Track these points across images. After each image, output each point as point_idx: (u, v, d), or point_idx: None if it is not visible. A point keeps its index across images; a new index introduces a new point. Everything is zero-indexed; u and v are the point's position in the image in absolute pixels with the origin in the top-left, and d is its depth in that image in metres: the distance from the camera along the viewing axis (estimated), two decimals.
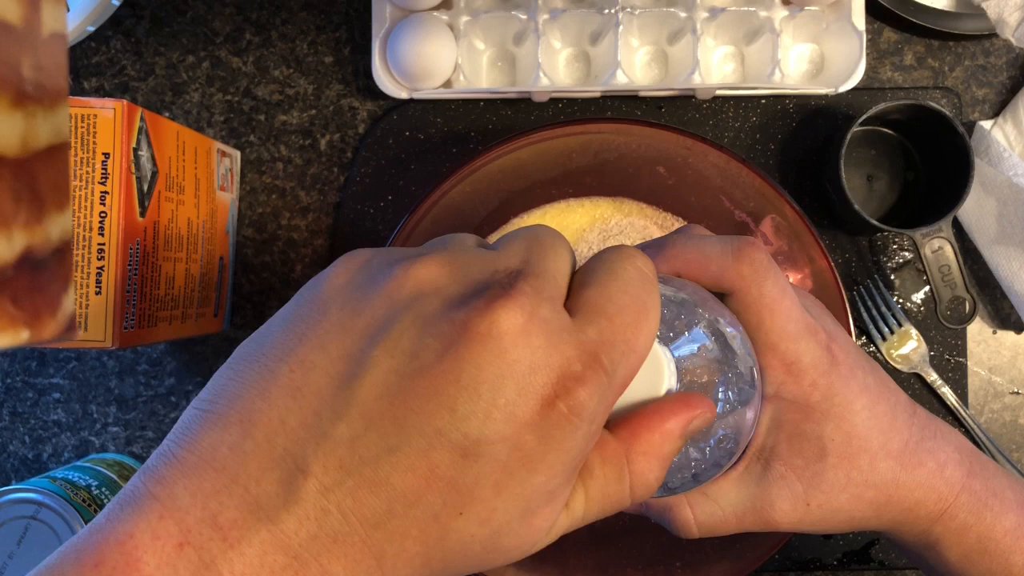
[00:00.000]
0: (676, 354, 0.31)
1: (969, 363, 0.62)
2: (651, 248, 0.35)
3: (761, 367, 0.34)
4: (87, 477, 0.56)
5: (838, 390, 0.35)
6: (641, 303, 0.27)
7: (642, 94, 0.61)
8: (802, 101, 0.62)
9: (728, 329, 0.32)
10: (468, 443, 0.24)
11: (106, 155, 0.45)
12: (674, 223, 0.58)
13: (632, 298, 0.27)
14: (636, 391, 0.29)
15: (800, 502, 0.36)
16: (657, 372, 0.30)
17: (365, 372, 0.24)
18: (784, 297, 0.34)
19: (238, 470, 0.24)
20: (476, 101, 0.62)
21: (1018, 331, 0.62)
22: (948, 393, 0.60)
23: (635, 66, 0.62)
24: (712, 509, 0.36)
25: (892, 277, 0.61)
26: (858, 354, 0.37)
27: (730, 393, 0.31)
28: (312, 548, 0.23)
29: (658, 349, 0.30)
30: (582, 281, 0.27)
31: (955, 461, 0.36)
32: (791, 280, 0.55)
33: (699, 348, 0.32)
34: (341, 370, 0.24)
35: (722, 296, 0.34)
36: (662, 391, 0.30)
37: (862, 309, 0.61)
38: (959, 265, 0.60)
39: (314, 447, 0.24)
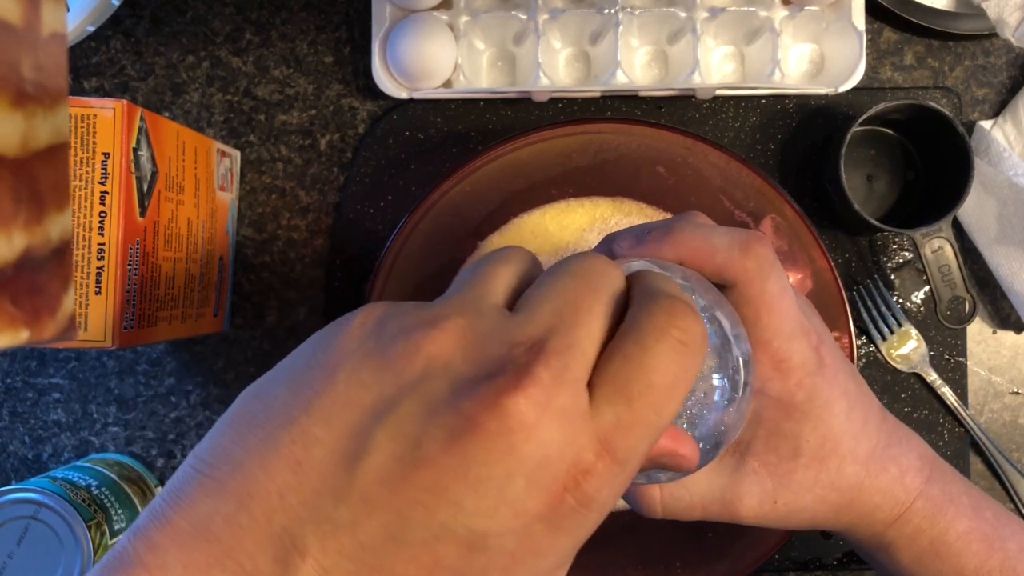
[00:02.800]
0: None
1: (969, 363, 0.62)
2: (656, 231, 0.34)
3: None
4: (87, 477, 0.56)
5: (821, 392, 0.35)
6: (671, 384, 0.25)
7: (642, 94, 0.61)
8: (802, 101, 0.62)
9: (727, 321, 0.32)
10: (474, 537, 0.23)
11: (106, 155, 0.45)
12: None
13: (662, 377, 0.24)
14: None
15: (768, 499, 0.36)
16: None
17: (367, 454, 0.23)
18: (784, 296, 0.34)
19: (233, 544, 0.23)
20: (476, 101, 0.62)
21: (1018, 331, 0.62)
22: (948, 393, 0.60)
23: (635, 66, 0.62)
24: (680, 493, 0.37)
25: (892, 277, 0.61)
26: (842, 359, 0.37)
27: (727, 382, 0.31)
28: None
29: None
30: (611, 350, 0.25)
31: (916, 468, 0.37)
32: (790, 280, 0.55)
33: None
34: (344, 448, 0.23)
35: (721, 287, 0.34)
36: None
37: (862, 309, 0.61)
38: (959, 265, 0.60)
39: (313, 528, 0.23)
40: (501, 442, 0.22)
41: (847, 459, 0.36)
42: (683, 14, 0.59)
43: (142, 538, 0.24)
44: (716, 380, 0.31)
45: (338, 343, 0.25)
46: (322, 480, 0.23)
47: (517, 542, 0.23)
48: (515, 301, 0.26)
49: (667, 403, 0.25)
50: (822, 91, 0.60)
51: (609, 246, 0.36)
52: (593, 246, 0.58)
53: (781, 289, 0.34)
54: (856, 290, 0.61)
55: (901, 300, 0.61)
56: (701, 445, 0.31)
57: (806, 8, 0.59)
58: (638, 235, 0.35)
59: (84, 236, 0.45)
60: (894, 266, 0.61)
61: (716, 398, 0.31)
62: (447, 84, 0.60)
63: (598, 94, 0.61)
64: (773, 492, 0.36)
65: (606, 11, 0.58)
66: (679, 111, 0.62)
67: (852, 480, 0.36)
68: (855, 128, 0.57)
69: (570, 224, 0.59)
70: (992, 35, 0.61)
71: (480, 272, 0.27)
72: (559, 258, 0.58)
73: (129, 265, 0.46)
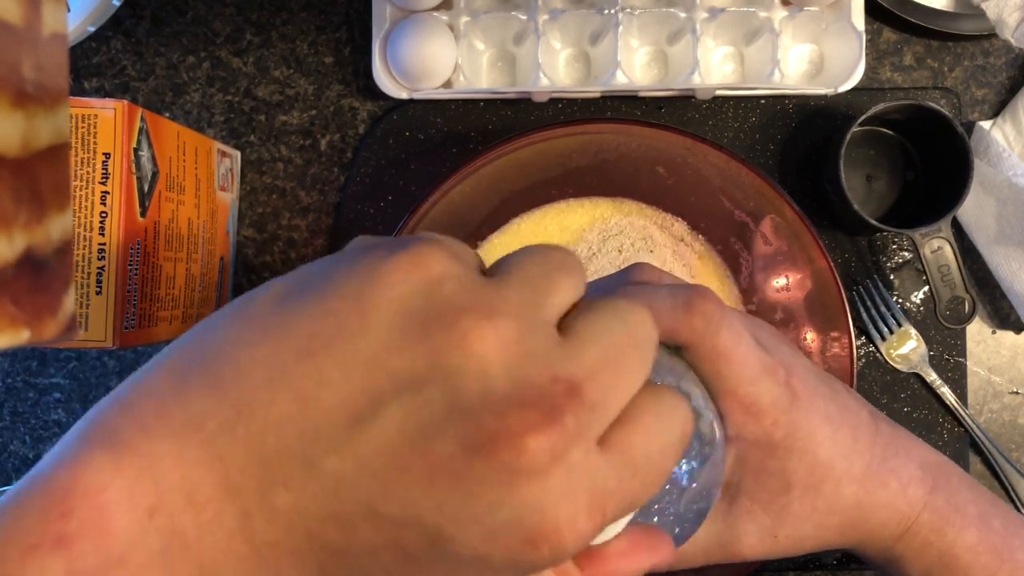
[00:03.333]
0: None
1: (968, 363, 0.62)
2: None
3: (721, 413, 0.34)
4: None
5: (800, 424, 0.35)
6: (667, 461, 0.25)
7: (642, 94, 0.61)
8: (802, 101, 0.62)
9: (685, 388, 0.32)
10: (440, 538, 0.23)
11: (107, 155, 0.45)
12: (674, 223, 0.58)
13: (662, 456, 0.25)
14: None
15: (767, 535, 0.36)
16: None
17: (376, 420, 0.23)
18: (739, 344, 0.34)
19: (224, 451, 0.23)
20: (476, 101, 0.62)
21: (1017, 331, 0.62)
22: (947, 393, 0.60)
23: (635, 66, 0.62)
24: (680, 547, 0.36)
25: (891, 277, 0.61)
26: (817, 381, 0.37)
27: (694, 463, 0.31)
28: (273, 551, 0.23)
29: None
30: (626, 416, 0.25)
31: (918, 479, 0.37)
32: (790, 280, 0.55)
33: None
34: (356, 403, 0.23)
35: (676, 348, 0.34)
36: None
37: (861, 309, 0.61)
38: (958, 265, 0.60)
39: (300, 466, 0.23)
40: (506, 477, 0.22)
41: (842, 480, 0.36)
42: (683, 14, 0.59)
43: (132, 416, 0.23)
44: (684, 465, 0.31)
45: (383, 281, 0.23)
46: (323, 425, 0.23)
47: (472, 559, 0.23)
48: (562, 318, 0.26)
49: (658, 480, 0.25)
50: (821, 91, 0.60)
51: None
52: (593, 246, 0.58)
53: (734, 338, 0.34)
54: (856, 290, 0.61)
55: (901, 300, 0.61)
56: (686, 515, 0.31)
57: (806, 8, 0.59)
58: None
59: (85, 236, 0.45)
60: (893, 266, 0.61)
61: (686, 477, 0.31)
62: (447, 84, 0.60)
63: (598, 94, 0.61)
64: (772, 527, 0.36)
65: (606, 11, 0.58)
66: (679, 111, 0.62)
67: (851, 500, 0.36)
68: (854, 128, 0.57)
69: (570, 224, 0.59)
70: (991, 35, 0.61)
71: (546, 276, 0.25)
72: None
73: (130, 265, 0.46)
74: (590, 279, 0.58)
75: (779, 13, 0.59)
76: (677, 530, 0.32)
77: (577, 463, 0.23)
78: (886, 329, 0.61)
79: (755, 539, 0.36)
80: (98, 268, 0.45)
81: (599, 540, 0.27)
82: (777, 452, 0.35)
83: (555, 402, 0.23)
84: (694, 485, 0.31)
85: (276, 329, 0.23)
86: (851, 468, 0.36)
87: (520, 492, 0.22)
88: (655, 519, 0.31)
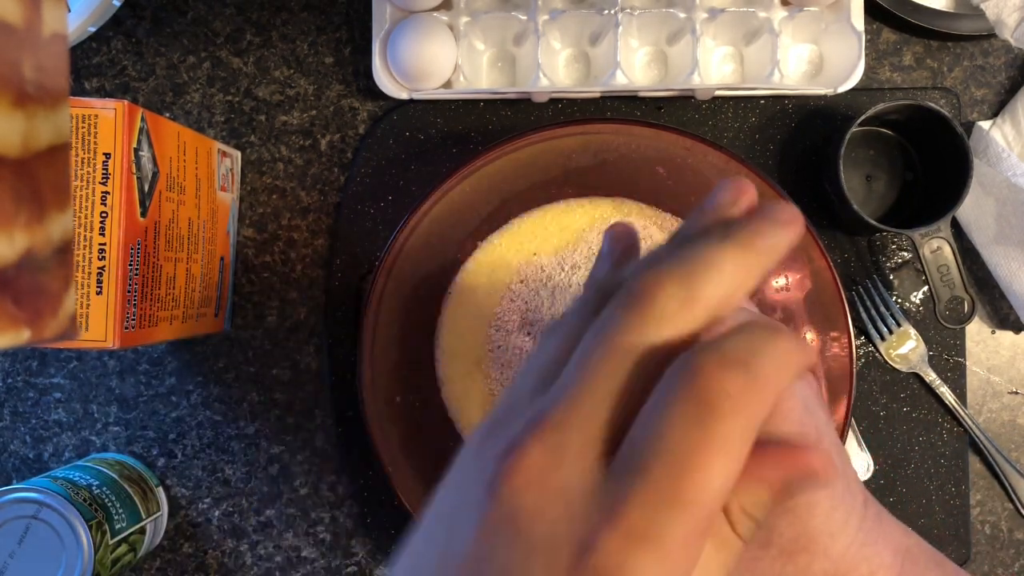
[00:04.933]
0: None
1: (968, 363, 0.62)
2: None
3: None
4: (88, 477, 0.56)
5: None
6: (696, 452, 0.23)
7: (642, 94, 0.61)
8: (801, 101, 0.62)
9: None
10: None
11: (107, 155, 0.45)
12: (673, 223, 0.58)
13: (678, 446, 0.23)
14: None
15: None
16: None
17: None
18: (788, 398, 0.33)
19: None
20: (476, 101, 0.62)
21: (1017, 331, 0.62)
22: (947, 393, 0.60)
23: (635, 67, 0.62)
24: None
25: (891, 277, 0.62)
26: (837, 456, 0.36)
27: None
28: None
29: None
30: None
31: (887, 565, 0.37)
32: (789, 280, 0.55)
33: None
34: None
35: None
36: None
37: (861, 309, 0.61)
38: (958, 265, 0.60)
39: None
40: (508, 527, 0.22)
41: (818, 556, 0.35)
42: (682, 15, 0.59)
43: None
44: None
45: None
46: None
47: None
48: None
49: (694, 476, 0.22)
50: (821, 91, 0.60)
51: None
52: (593, 246, 0.58)
53: (787, 389, 0.33)
54: (855, 290, 0.61)
55: (900, 300, 0.61)
56: None
57: (805, 9, 0.59)
58: None
59: (85, 236, 0.45)
60: (893, 266, 0.62)
61: None
62: (447, 85, 0.60)
63: (598, 95, 0.61)
64: (735, 573, 0.36)
65: (606, 12, 0.59)
66: (679, 111, 0.62)
67: None
68: (854, 128, 0.57)
69: (570, 224, 0.59)
70: (991, 36, 0.61)
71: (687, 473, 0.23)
72: (559, 258, 0.58)
73: (130, 265, 0.46)
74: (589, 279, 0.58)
75: (779, 13, 0.59)
76: None
77: (564, 487, 0.23)
78: (885, 329, 0.61)
79: None
80: (98, 268, 0.45)
81: None
82: (774, 510, 0.35)
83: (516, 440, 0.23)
84: None
85: None
86: (831, 547, 0.36)
87: (530, 536, 0.22)
88: None
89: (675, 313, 0.25)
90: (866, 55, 0.61)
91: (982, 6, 0.56)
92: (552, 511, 0.22)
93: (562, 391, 0.24)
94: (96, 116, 0.45)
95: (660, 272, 0.25)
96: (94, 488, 0.55)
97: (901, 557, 0.37)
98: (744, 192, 0.32)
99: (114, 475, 0.58)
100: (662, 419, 0.23)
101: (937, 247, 0.59)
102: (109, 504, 0.55)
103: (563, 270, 0.58)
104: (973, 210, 0.60)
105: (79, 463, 0.59)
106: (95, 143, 0.45)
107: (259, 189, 0.63)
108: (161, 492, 0.61)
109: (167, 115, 0.62)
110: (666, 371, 0.24)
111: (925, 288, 0.61)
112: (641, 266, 0.27)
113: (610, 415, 0.24)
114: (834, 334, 0.54)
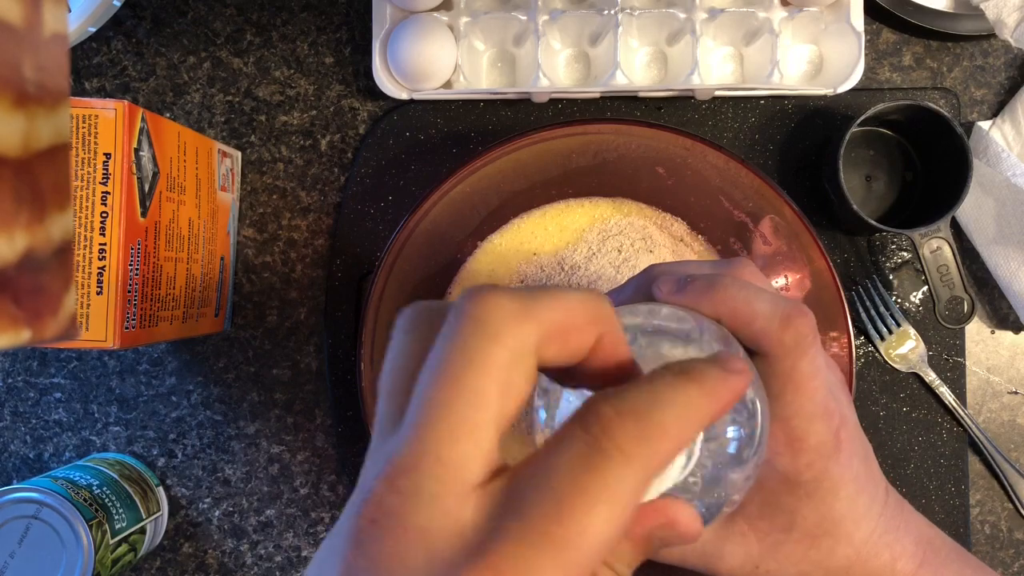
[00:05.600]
0: None
1: (967, 363, 0.62)
2: (699, 283, 0.33)
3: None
4: (88, 476, 0.56)
5: (831, 475, 0.35)
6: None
7: (641, 95, 0.61)
8: (801, 102, 0.62)
9: (751, 392, 0.31)
10: None
11: (107, 155, 0.45)
12: (673, 223, 0.58)
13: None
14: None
15: (750, 562, 0.36)
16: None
17: None
18: (815, 376, 0.33)
19: None
20: (476, 102, 0.62)
21: (1016, 331, 0.62)
22: (946, 393, 0.60)
23: (634, 67, 0.62)
24: None
25: (891, 277, 0.62)
26: (860, 440, 0.36)
27: (741, 445, 0.30)
28: None
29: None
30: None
31: (909, 554, 0.37)
32: (790, 280, 0.55)
33: None
34: None
35: (751, 352, 0.33)
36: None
37: (860, 309, 0.61)
38: (957, 265, 0.60)
39: None
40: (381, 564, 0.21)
41: (841, 541, 0.35)
42: (682, 15, 0.59)
43: None
44: (732, 442, 0.30)
45: None
46: None
47: None
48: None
49: (574, 519, 0.21)
50: (821, 92, 0.60)
51: (648, 279, 0.35)
52: (593, 246, 0.58)
53: (813, 370, 0.33)
54: (855, 290, 0.61)
55: (900, 300, 0.62)
56: (704, 509, 0.30)
57: (805, 9, 0.59)
58: (680, 282, 0.34)
59: (86, 236, 0.45)
60: (893, 266, 0.62)
61: (728, 460, 0.30)
62: (447, 85, 0.60)
63: (598, 95, 0.61)
64: (757, 558, 0.36)
65: (606, 12, 0.59)
66: (678, 112, 0.62)
67: (842, 562, 0.36)
68: (854, 129, 0.57)
69: (570, 224, 0.59)
70: (991, 36, 0.61)
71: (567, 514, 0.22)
72: (559, 258, 0.58)
73: (130, 265, 0.46)
74: (589, 280, 0.58)
75: (779, 13, 0.59)
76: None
77: (424, 527, 0.22)
78: (885, 329, 0.61)
79: (737, 562, 0.36)
80: (99, 268, 0.45)
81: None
82: (797, 492, 0.35)
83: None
84: (736, 468, 0.30)
85: None
86: (854, 532, 0.36)
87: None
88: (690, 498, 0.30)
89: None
90: (866, 55, 0.61)
91: (982, 6, 0.56)
92: (413, 557, 0.21)
93: (412, 429, 0.22)
94: (96, 116, 0.45)
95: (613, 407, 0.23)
96: (94, 488, 0.55)
97: (923, 547, 0.37)
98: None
99: (114, 475, 0.58)
100: (551, 460, 0.22)
101: (937, 247, 0.60)
102: (109, 504, 0.55)
103: (563, 270, 0.58)
104: (973, 210, 0.60)
105: (79, 463, 0.59)
106: (95, 143, 0.45)
107: (259, 189, 0.63)
108: (161, 492, 0.62)
109: (167, 115, 0.62)
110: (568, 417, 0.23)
111: (925, 288, 0.61)
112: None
113: (477, 451, 0.23)
114: (834, 334, 0.54)
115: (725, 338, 0.32)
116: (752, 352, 0.33)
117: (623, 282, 0.38)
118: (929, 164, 0.61)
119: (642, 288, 0.36)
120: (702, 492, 0.30)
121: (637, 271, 0.57)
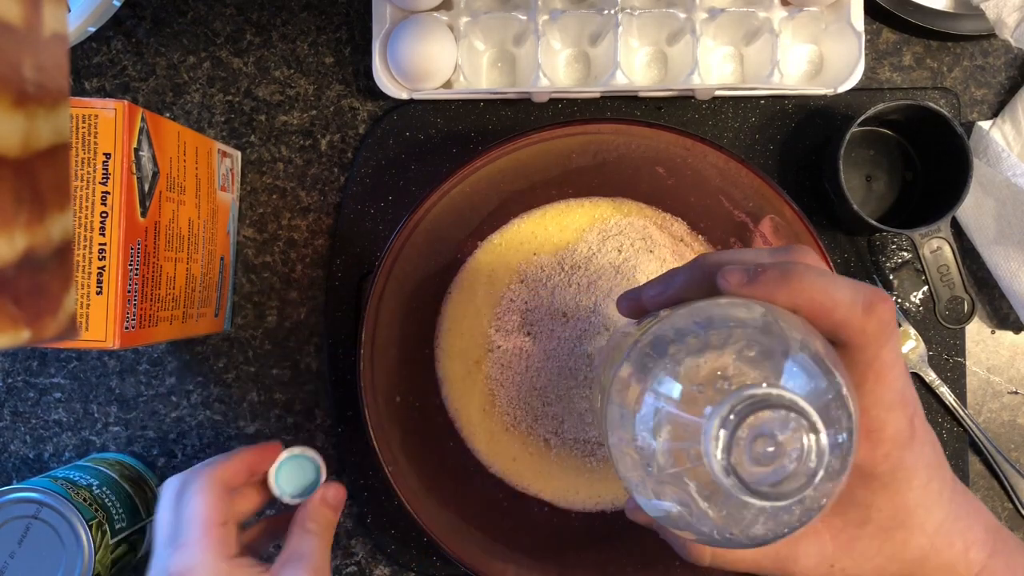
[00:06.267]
0: (801, 392, 0.28)
1: (968, 363, 0.62)
2: (772, 271, 0.31)
3: None
4: (88, 476, 0.56)
5: (906, 464, 0.33)
6: None
7: (641, 95, 0.61)
8: (801, 101, 0.62)
9: (841, 380, 0.29)
10: None
11: (107, 155, 0.45)
12: (673, 223, 0.58)
13: None
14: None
15: (825, 562, 0.35)
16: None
17: None
18: (896, 364, 0.32)
19: None
20: (476, 101, 0.62)
21: (1016, 331, 0.62)
22: (947, 393, 0.60)
23: (635, 67, 0.62)
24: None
25: (891, 277, 0.62)
26: (929, 427, 0.35)
27: (835, 449, 0.28)
28: None
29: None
30: None
31: (981, 542, 0.36)
32: None
33: (817, 391, 0.29)
34: None
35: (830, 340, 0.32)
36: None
37: None
38: (957, 265, 0.60)
39: None
40: None
41: (915, 532, 0.34)
42: (682, 15, 0.59)
43: None
44: (825, 444, 0.28)
45: None
46: None
47: None
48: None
49: None
50: (821, 91, 0.60)
51: (703, 271, 0.34)
52: (593, 246, 0.58)
53: (895, 356, 0.32)
54: None
55: (900, 300, 0.61)
56: (810, 505, 0.29)
57: (805, 9, 0.59)
58: (750, 272, 0.32)
59: (85, 236, 0.45)
60: (893, 266, 0.62)
61: (822, 462, 0.28)
62: (447, 85, 0.60)
63: (598, 95, 0.61)
64: (832, 556, 0.35)
65: (606, 12, 0.59)
66: (678, 112, 0.62)
67: (917, 553, 0.35)
68: (854, 128, 0.57)
69: (570, 224, 0.59)
70: (991, 36, 0.61)
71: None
72: (559, 258, 0.58)
73: (130, 265, 0.46)
74: (589, 280, 0.58)
75: (779, 13, 0.59)
76: (796, 521, 0.30)
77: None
78: None
79: (812, 562, 0.35)
80: (99, 268, 0.45)
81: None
82: (872, 484, 0.34)
83: None
84: (830, 473, 0.29)
85: None
86: (927, 521, 0.35)
87: None
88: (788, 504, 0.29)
89: None
90: (866, 55, 0.61)
91: (982, 6, 0.56)
92: None
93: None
94: (96, 116, 0.45)
95: None
96: (94, 488, 0.55)
97: (992, 534, 0.36)
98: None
99: (114, 475, 0.58)
100: None
101: (937, 247, 0.60)
102: (109, 504, 0.55)
103: (563, 270, 0.58)
104: (973, 210, 0.60)
105: (79, 463, 0.59)
106: (95, 143, 0.45)
107: (259, 189, 0.63)
108: None
109: (167, 115, 0.62)
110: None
111: (925, 288, 0.61)
112: None
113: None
114: None
115: (807, 330, 0.30)
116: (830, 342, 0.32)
117: (661, 274, 0.37)
118: (929, 164, 0.61)
119: (695, 281, 0.34)
120: (798, 495, 0.28)
121: (637, 271, 0.57)
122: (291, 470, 0.51)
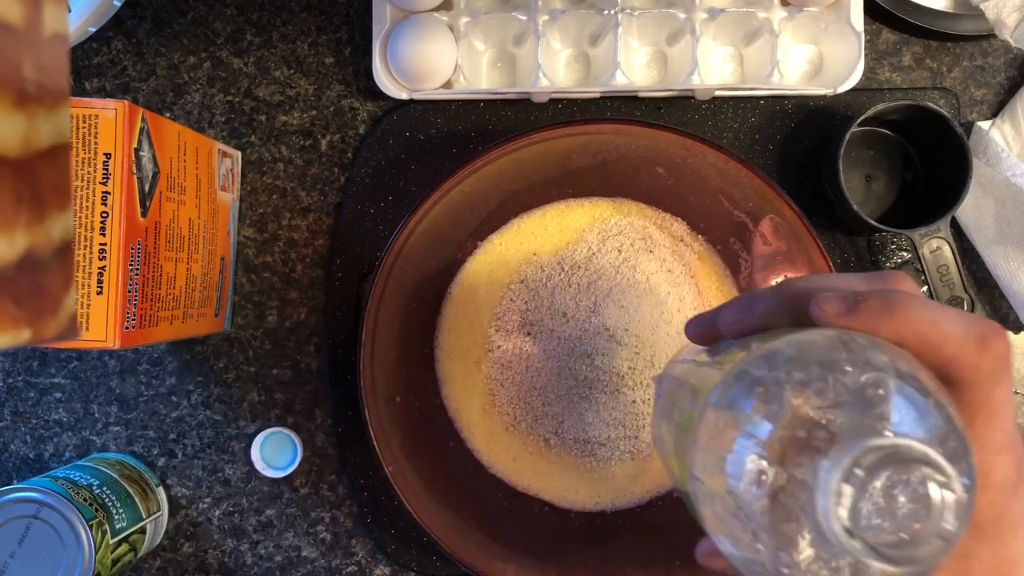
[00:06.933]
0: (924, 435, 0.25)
1: None
2: (874, 301, 0.29)
3: None
4: (88, 476, 0.56)
5: (1012, 512, 0.31)
6: None
7: (641, 95, 0.61)
8: (801, 102, 0.62)
9: (960, 425, 0.26)
10: None
11: (107, 155, 0.45)
12: (673, 223, 0.58)
13: None
14: None
15: None
16: None
17: None
18: (1008, 404, 0.30)
19: None
20: (476, 102, 0.62)
21: (1016, 331, 0.62)
22: None
23: (634, 67, 0.62)
24: None
25: None
26: None
27: (970, 496, 0.26)
28: None
29: None
30: None
31: None
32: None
33: (940, 437, 0.26)
34: None
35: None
36: None
37: None
38: (957, 265, 0.60)
39: None
40: None
41: None
42: (682, 15, 0.59)
43: None
44: (964, 500, 0.25)
45: None
46: None
47: None
48: None
49: None
50: (821, 92, 0.60)
51: (792, 298, 0.32)
52: (593, 246, 0.58)
53: (1008, 396, 0.30)
54: None
55: None
56: (951, 539, 0.26)
57: (805, 9, 0.59)
58: (848, 300, 0.29)
59: (86, 236, 0.45)
60: (893, 266, 0.62)
61: (962, 523, 0.25)
62: (447, 85, 0.60)
63: (598, 95, 0.61)
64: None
65: (606, 12, 0.59)
66: (678, 112, 0.62)
67: None
68: (854, 128, 0.57)
69: (570, 224, 0.59)
70: (990, 36, 0.61)
71: None
72: (559, 258, 0.58)
73: (130, 265, 0.46)
74: (589, 280, 0.58)
75: (778, 14, 0.59)
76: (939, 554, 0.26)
77: None
78: None
79: None
80: (99, 268, 0.45)
81: None
82: (974, 534, 0.31)
83: None
84: (952, 529, 0.26)
85: None
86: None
87: None
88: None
89: None
90: (866, 55, 0.61)
91: (982, 6, 0.56)
92: None
93: None
94: (96, 116, 0.45)
95: None
96: (94, 488, 0.55)
97: None
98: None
99: (114, 475, 0.58)
100: None
101: (937, 247, 0.60)
102: (109, 504, 0.55)
103: (563, 270, 0.58)
104: (973, 210, 0.60)
105: (79, 463, 0.59)
106: (95, 143, 0.45)
107: (259, 189, 0.63)
108: (161, 492, 0.62)
109: (167, 115, 0.62)
110: None
111: (925, 288, 0.61)
112: None
113: None
114: None
115: (917, 367, 0.28)
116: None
117: (735, 297, 0.34)
118: (929, 164, 0.61)
119: (779, 308, 0.32)
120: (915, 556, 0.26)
121: (637, 271, 0.57)
122: (272, 445, 0.58)
